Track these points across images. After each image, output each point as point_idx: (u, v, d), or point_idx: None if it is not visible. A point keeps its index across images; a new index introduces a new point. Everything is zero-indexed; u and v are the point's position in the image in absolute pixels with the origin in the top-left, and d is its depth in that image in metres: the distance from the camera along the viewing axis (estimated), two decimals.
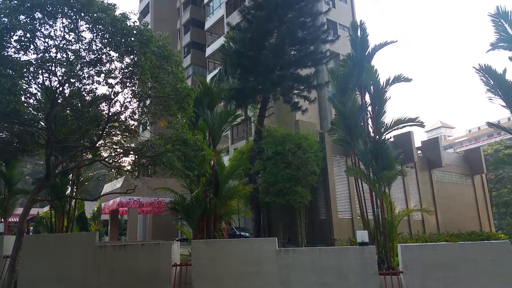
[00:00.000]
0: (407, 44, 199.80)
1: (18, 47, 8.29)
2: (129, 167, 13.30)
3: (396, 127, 12.97)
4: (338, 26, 31.27)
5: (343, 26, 31.01)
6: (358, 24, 13.71)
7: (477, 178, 28.35)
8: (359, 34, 13.76)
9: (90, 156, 15.29)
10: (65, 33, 8.84)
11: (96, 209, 34.37)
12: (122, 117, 11.37)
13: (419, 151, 25.57)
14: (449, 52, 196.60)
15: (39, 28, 8.33)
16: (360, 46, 13.64)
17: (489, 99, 12.19)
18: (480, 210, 27.51)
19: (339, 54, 28.73)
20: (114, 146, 12.78)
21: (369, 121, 13.43)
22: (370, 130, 13.37)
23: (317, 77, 23.90)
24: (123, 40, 8.86)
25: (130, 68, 9.74)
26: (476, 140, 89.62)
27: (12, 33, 8.01)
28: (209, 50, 37.59)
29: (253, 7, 21.24)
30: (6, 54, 8.34)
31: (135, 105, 11.02)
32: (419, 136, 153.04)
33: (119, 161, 12.95)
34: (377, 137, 12.92)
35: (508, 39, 12.08)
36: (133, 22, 8.85)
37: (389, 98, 13.10)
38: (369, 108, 13.40)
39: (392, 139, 22.70)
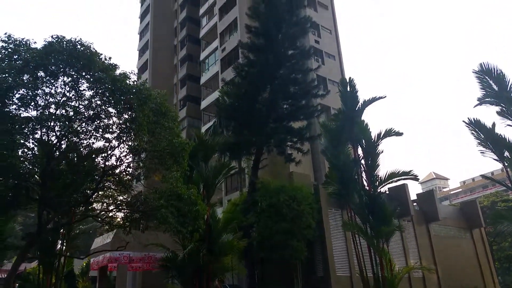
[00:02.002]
0: (398, 94, 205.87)
1: (19, 104, 8.48)
2: (120, 221, 13.06)
3: (390, 180, 13.06)
4: (328, 81, 32.36)
5: (332, 81, 32.10)
6: (348, 81, 14.28)
7: (476, 232, 27.96)
8: (348, 89, 14.29)
9: (83, 208, 15.05)
10: (66, 91, 9.09)
11: (84, 264, 33.10)
12: (117, 170, 11.38)
13: (415, 203, 25.47)
14: (439, 105, 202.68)
15: (41, 87, 8.58)
16: (350, 101, 14.11)
17: (481, 152, 12.42)
18: (482, 265, 26.84)
19: (330, 108, 29.46)
20: (106, 201, 12.64)
21: (363, 174, 13.54)
22: (365, 183, 13.43)
23: (310, 129, 24.31)
24: (122, 97, 9.12)
25: (127, 124, 9.93)
26: (471, 191, 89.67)
27: (15, 91, 8.22)
28: (204, 103, 38.47)
29: (246, 64, 22.08)
30: (7, 110, 8.50)
31: (131, 159, 11.09)
32: (413, 187, 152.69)
33: (111, 214, 12.76)
34: (372, 190, 12.95)
35: (494, 95, 12.55)
36: (133, 82, 9.16)
37: (382, 152, 13.32)
38: (362, 161, 13.56)
39: (387, 191, 22.69)
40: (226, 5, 35.54)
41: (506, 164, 11.84)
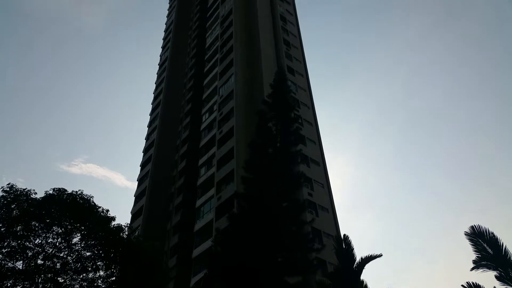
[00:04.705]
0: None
1: (6, 255, 8.28)
2: None
3: None
4: (323, 234, 32.09)
5: (327, 234, 31.86)
6: (343, 238, 14.30)
7: None
8: (344, 246, 14.19)
9: None
10: (57, 241, 8.99)
11: None
12: None
13: None
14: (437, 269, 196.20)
15: (33, 239, 8.53)
16: (346, 259, 13.87)
17: None
18: None
19: (326, 261, 28.52)
20: None
21: None
22: None
23: (306, 285, 23.05)
24: (112, 250, 8.98)
25: (114, 278, 9.53)
26: None
27: (5, 242, 8.13)
28: (196, 252, 37.18)
29: (240, 215, 22.25)
30: None
31: None
32: None
33: None
34: None
35: (489, 258, 12.32)
36: (127, 235, 9.17)
37: None
38: None
39: None
40: (224, 157, 37.84)
41: None
